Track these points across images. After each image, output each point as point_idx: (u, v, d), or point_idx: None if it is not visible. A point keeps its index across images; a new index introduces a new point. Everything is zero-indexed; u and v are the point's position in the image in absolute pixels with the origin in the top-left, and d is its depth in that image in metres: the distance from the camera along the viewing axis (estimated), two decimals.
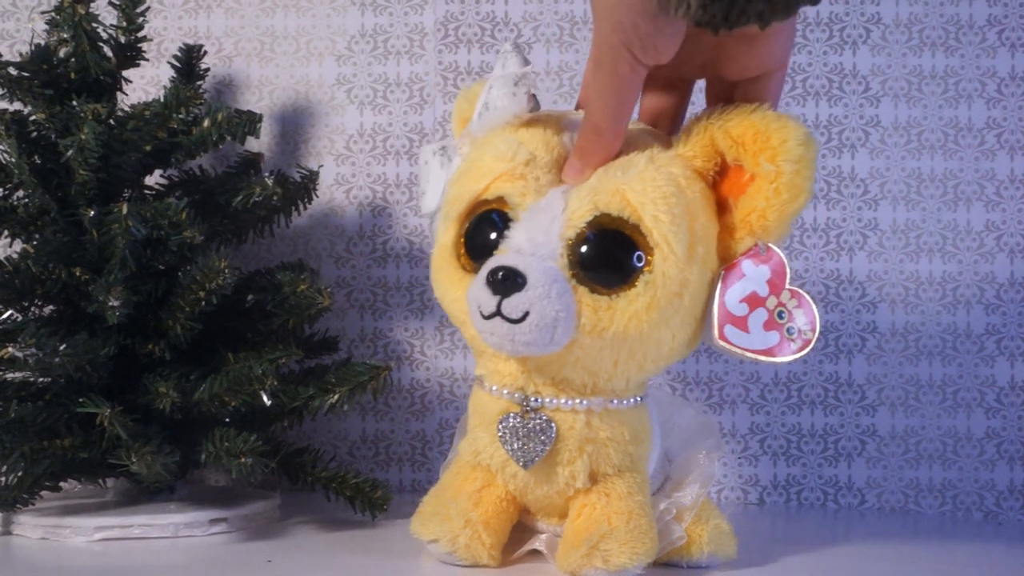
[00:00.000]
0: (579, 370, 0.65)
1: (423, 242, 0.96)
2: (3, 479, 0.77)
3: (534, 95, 0.67)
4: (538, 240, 0.63)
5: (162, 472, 0.76)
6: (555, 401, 0.66)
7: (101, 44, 0.82)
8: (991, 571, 0.76)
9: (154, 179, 0.86)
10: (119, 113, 0.82)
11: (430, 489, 0.71)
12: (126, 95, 0.86)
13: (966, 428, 0.95)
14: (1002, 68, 0.95)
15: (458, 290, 0.66)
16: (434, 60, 0.97)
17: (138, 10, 0.84)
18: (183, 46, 0.87)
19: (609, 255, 0.63)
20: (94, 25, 0.82)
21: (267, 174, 0.83)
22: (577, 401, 0.66)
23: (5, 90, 0.80)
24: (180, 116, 0.81)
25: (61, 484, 0.80)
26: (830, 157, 0.95)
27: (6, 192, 0.81)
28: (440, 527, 0.67)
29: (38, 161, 0.79)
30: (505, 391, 0.67)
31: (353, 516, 0.81)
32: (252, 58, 0.97)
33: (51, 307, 0.81)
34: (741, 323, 0.65)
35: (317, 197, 0.88)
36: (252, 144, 0.89)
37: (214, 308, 0.78)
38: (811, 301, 0.65)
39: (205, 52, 0.88)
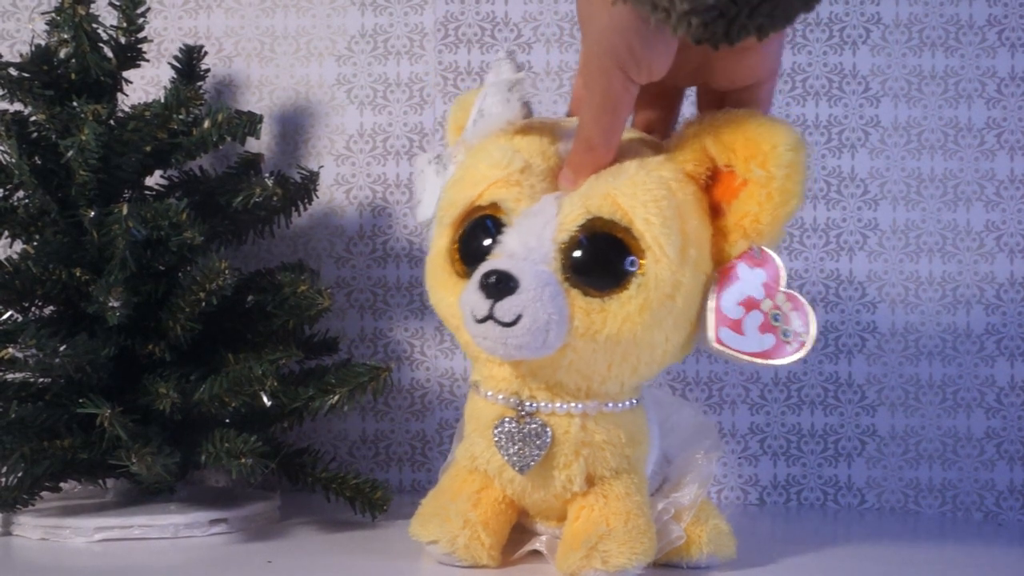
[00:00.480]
0: (573, 374, 0.65)
1: (423, 242, 0.96)
2: (3, 480, 0.77)
3: (527, 102, 0.67)
4: (531, 244, 0.63)
5: (162, 473, 0.76)
6: (550, 405, 0.66)
7: (101, 45, 0.82)
8: (991, 571, 0.76)
9: (154, 180, 0.86)
10: (119, 114, 0.82)
11: (430, 490, 0.71)
12: (126, 96, 0.86)
13: (966, 428, 0.95)
14: (1002, 68, 0.95)
15: (452, 295, 0.66)
16: (434, 60, 0.97)
17: (138, 11, 0.84)
18: (183, 47, 0.87)
19: (601, 258, 0.63)
20: (94, 26, 0.82)
21: (267, 175, 0.83)
22: (572, 405, 0.66)
23: (5, 91, 0.80)
24: (180, 117, 0.81)
25: (61, 485, 0.80)
26: (830, 157, 0.95)
27: (6, 193, 0.81)
28: (439, 528, 0.67)
29: (38, 162, 0.79)
30: (500, 396, 0.67)
31: (353, 517, 0.81)
32: (252, 58, 0.97)
33: (51, 308, 0.81)
34: (736, 326, 0.64)
35: (317, 197, 0.89)
36: (252, 145, 0.89)
37: (214, 309, 0.78)
38: (807, 304, 0.65)
39: (205, 52, 0.88)
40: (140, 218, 0.76)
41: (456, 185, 0.68)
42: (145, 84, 0.96)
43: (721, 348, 0.64)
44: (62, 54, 0.81)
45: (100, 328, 0.77)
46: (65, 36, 0.81)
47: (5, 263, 0.78)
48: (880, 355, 0.95)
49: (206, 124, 0.81)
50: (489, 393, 0.67)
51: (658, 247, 0.62)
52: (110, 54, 0.83)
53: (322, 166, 0.95)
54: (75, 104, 0.79)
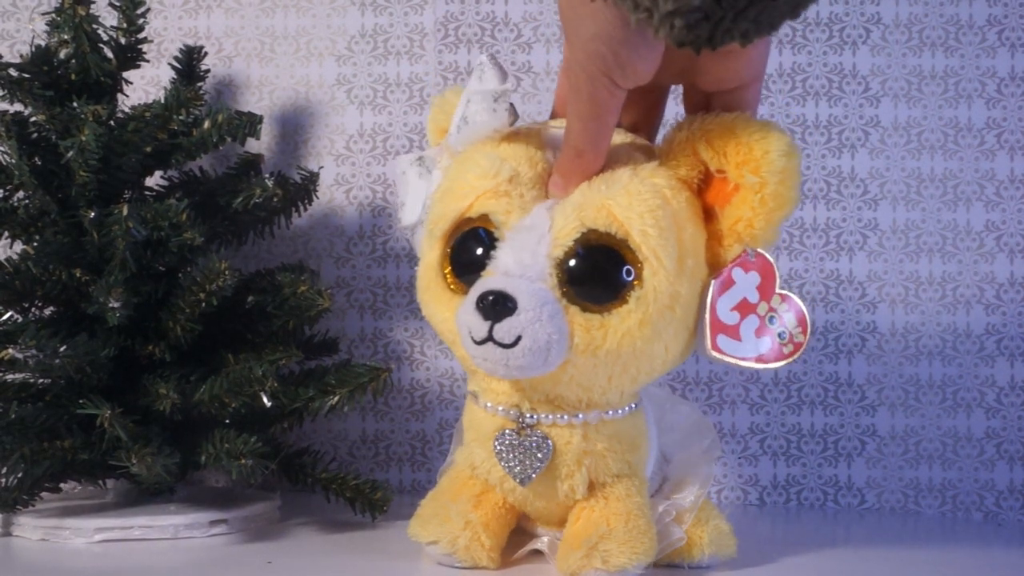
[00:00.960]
0: (573, 387, 0.64)
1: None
2: (3, 480, 0.77)
3: (513, 106, 0.67)
4: (526, 261, 0.62)
5: (162, 473, 0.76)
6: (551, 417, 0.65)
7: (101, 45, 0.82)
8: (991, 571, 0.76)
9: (154, 180, 0.86)
10: (119, 114, 0.82)
11: (430, 490, 0.71)
12: (126, 96, 0.86)
13: (966, 428, 0.95)
14: (1002, 68, 0.95)
15: (447, 311, 0.65)
16: (434, 60, 0.97)
17: (138, 11, 0.84)
18: (183, 47, 0.87)
19: (598, 272, 0.62)
20: (94, 26, 0.82)
21: (267, 175, 0.83)
22: (573, 416, 0.65)
23: (5, 91, 0.80)
24: (180, 117, 0.81)
25: (61, 485, 0.80)
26: (830, 157, 0.95)
27: (6, 193, 0.81)
28: (439, 529, 0.67)
29: (38, 162, 0.79)
30: (500, 408, 0.66)
31: (353, 517, 0.81)
32: (252, 58, 0.97)
33: (51, 308, 0.81)
34: (733, 332, 0.64)
35: (317, 198, 0.88)
36: (252, 145, 0.89)
37: (214, 309, 0.78)
38: (798, 300, 0.65)
39: (205, 53, 0.88)
40: (140, 219, 0.76)
41: (445, 197, 0.66)
42: (145, 84, 0.96)
43: (719, 355, 0.64)
44: (62, 54, 0.81)
45: (100, 329, 0.77)
46: (65, 36, 0.81)
47: (5, 263, 0.78)
48: (880, 355, 0.95)
49: (206, 125, 0.81)
50: (488, 405, 0.67)
51: (655, 259, 0.61)
52: (110, 54, 0.83)
53: (322, 166, 0.95)
54: (75, 105, 0.79)
